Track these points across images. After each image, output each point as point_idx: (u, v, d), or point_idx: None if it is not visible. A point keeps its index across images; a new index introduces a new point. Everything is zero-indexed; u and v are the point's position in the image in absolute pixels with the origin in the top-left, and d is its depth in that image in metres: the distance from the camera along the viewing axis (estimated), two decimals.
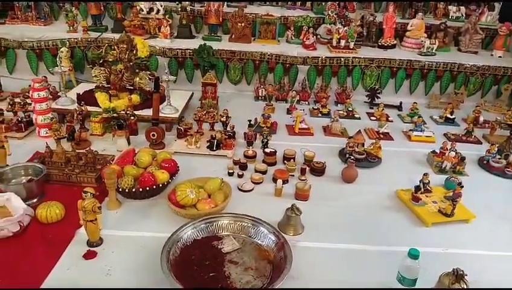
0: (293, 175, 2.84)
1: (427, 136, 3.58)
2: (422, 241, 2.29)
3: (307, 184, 2.59)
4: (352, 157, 2.92)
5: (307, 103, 4.27)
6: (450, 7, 5.07)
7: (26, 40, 4.27)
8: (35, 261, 1.97)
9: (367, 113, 4.14)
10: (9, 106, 3.29)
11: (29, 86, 3.70)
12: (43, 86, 3.06)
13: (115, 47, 3.43)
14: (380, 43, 4.72)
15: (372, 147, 3.21)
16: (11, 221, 2.08)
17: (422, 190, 2.65)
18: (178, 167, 2.68)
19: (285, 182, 2.71)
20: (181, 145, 3.16)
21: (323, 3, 5.03)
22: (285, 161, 2.95)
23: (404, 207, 2.62)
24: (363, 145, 3.23)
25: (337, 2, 4.81)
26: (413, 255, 1.81)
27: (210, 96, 3.89)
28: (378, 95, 4.29)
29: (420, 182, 2.68)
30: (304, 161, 3.01)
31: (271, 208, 2.47)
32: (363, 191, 2.76)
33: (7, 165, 2.68)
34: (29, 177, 2.49)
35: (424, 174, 2.70)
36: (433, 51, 4.58)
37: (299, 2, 5.13)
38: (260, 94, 4.34)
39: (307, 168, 2.87)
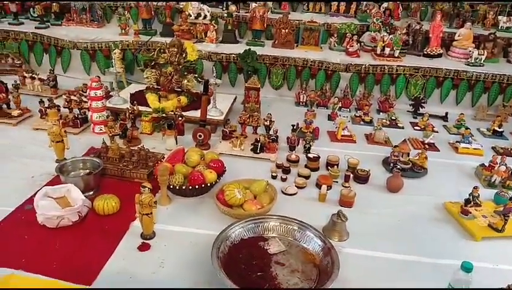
0: (337, 181, 2.85)
1: (475, 149, 3.48)
2: (471, 255, 2.21)
3: (351, 191, 2.60)
4: (398, 166, 2.89)
5: (348, 110, 4.26)
6: (499, 17, 4.91)
7: (80, 41, 4.52)
8: (93, 251, 2.08)
9: (410, 122, 4.08)
10: (66, 103, 3.50)
11: (84, 84, 3.94)
12: (100, 85, 3.22)
13: (166, 50, 3.56)
14: (425, 52, 4.63)
15: (417, 157, 3.17)
16: (71, 211, 2.22)
17: (472, 203, 2.58)
18: (225, 167, 2.75)
19: (328, 188, 2.72)
20: (226, 147, 3.24)
21: (367, 11, 5.02)
22: (329, 167, 2.97)
23: (452, 220, 2.57)
24: (408, 155, 3.19)
25: (382, 10, 4.77)
26: (467, 268, 1.77)
27: (253, 101, 3.93)
28: (422, 104, 4.21)
29: (470, 195, 2.62)
30: (347, 168, 3.01)
31: (315, 213, 2.50)
32: (408, 201, 2.73)
33: (65, 158, 2.86)
34: (87, 170, 2.63)
35: (474, 188, 2.64)
36: (482, 61, 4.45)
37: (343, 8, 5.13)
38: (301, 100, 4.37)
39: (351, 175, 2.86)
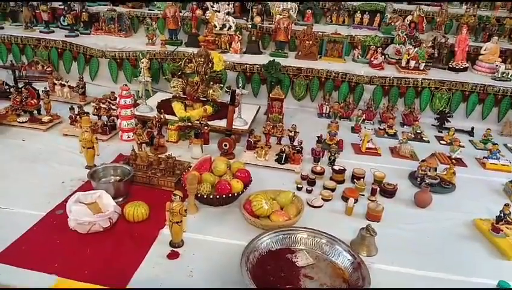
0: (363, 195, 2.83)
1: (503, 165, 3.41)
2: (503, 274, 2.18)
3: (379, 205, 2.57)
4: (426, 181, 2.84)
5: (371, 122, 4.23)
6: None
7: (109, 50, 4.63)
8: (124, 257, 2.11)
9: (436, 136, 4.03)
10: (95, 110, 3.58)
11: (111, 92, 4.02)
12: (129, 94, 3.29)
13: (193, 60, 3.62)
14: (450, 66, 4.59)
15: (445, 172, 3.12)
16: (103, 217, 2.25)
17: (503, 221, 2.53)
18: (251, 177, 2.76)
19: (355, 201, 2.69)
20: (250, 157, 3.25)
21: (391, 24, 5.01)
22: (355, 180, 2.94)
23: (482, 237, 2.52)
24: (435, 169, 3.14)
25: (407, 23, 4.75)
26: (504, 287, 1.73)
27: (277, 111, 3.97)
28: (448, 119, 4.16)
29: (501, 212, 2.56)
30: (373, 181, 2.98)
31: (342, 226, 2.48)
32: (437, 217, 2.68)
33: (94, 164, 2.92)
34: (118, 177, 2.68)
35: (505, 205, 2.58)
36: (509, 76, 4.38)
37: (366, 20, 5.13)
38: (324, 111, 4.37)
39: (378, 189, 2.83)
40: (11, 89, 3.85)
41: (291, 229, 2.29)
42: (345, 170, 3.02)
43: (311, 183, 2.93)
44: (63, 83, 4.13)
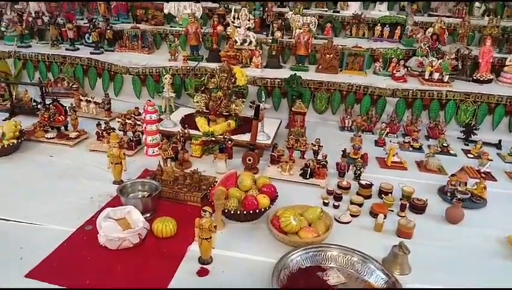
0: (392, 211, 2.77)
1: None
2: None
3: (411, 222, 2.51)
4: (458, 196, 2.77)
5: (395, 135, 4.18)
6: None
7: (133, 66, 4.73)
8: (154, 274, 2.11)
9: (463, 150, 3.94)
10: (121, 126, 3.63)
11: (135, 108, 4.09)
12: (155, 109, 3.33)
13: (216, 75, 3.66)
14: (475, 78, 4.51)
15: (475, 187, 3.04)
16: (133, 233, 2.26)
17: None
18: (277, 192, 2.74)
19: (384, 217, 2.64)
20: (274, 171, 3.24)
21: (413, 36, 4.97)
22: (383, 195, 2.89)
23: None
24: (465, 184, 3.06)
25: (429, 35, 4.71)
26: None
27: (299, 125, 3.95)
28: (474, 131, 4.07)
29: None
30: (401, 197, 2.92)
31: (371, 243, 2.42)
32: (470, 233, 2.60)
33: (121, 180, 2.95)
34: (146, 192, 2.70)
35: None
36: None
37: (387, 33, 5.11)
38: (346, 124, 4.34)
39: (407, 205, 2.77)
40: (39, 106, 3.95)
41: (321, 246, 2.25)
42: (372, 184, 2.97)
43: (338, 198, 2.89)
44: (89, 99, 4.22)
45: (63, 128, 3.72)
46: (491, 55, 4.50)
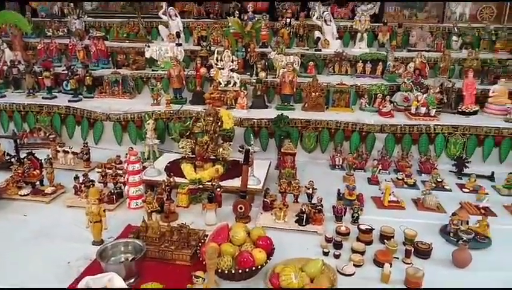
0: (397, 258, 2.59)
1: None
2: None
3: (419, 270, 2.33)
4: (463, 238, 2.62)
5: (387, 172, 4.08)
6: None
7: (113, 112, 4.56)
8: None
9: (457, 184, 3.85)
10: (101, 177, 3.41)
11: (117, 156, 3.89)
12: (138, 159, 3.14)
13: (202, 119, 3.53)
14: (460, 110, 4.52)
15: (478, 225, 2.91)
16: None
17: None
18: (273, 245, 2.54)
19: (390, 265, 2.45)
20: (268, 219, 3.05)
21: (395, 72, 5.01)
22: (385, 240, 2.71)
23: None
24: (467, 222, 2.94)
25: (411, 70, 4.75)
26: None
27: (289, 166, 3.82)
28: (466, 164, 4.01)
29: None
30: (404, 240, 2.76)
31: None
32: (480, 277, 2.45)
33: (102, 239, 2.70)
34: (129, 254, 2.45)
35: None
36: None
37: (369, 69, 5.14)
38: (337, 163, 4.22)
39: (412, 250, 2.60)
40: (13, 160, 3.70)
41: None
42: (372, 229, 2.81)
43: (338, 246, 2.71)
44: (66, 149, 3.99)
45: (38, 183, 3.46)
46: (475, 87, 4.54)
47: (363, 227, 2.82)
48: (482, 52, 5.31)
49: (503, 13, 5.88)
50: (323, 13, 5.55)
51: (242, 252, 2.39)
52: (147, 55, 5.21)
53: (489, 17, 5.88)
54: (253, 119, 4.43)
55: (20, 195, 3.30)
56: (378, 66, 5.16)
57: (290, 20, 5.76)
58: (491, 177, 3.97)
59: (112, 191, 3.23)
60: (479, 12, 5.92)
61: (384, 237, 2.77)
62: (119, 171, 3.44)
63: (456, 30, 5.52)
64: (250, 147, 3.38)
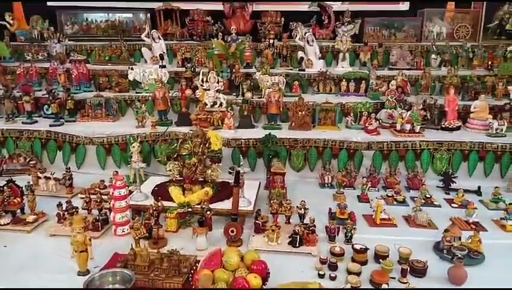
0: (394, 278, 2.55)
1: None
2: None
3: None
4: (458, 255, 2.61)
5: (376, 189, 4.08)
6: (510, 88, 4.98)
7: (96, 136, 4.44)
8: None
9: (445, 199, 3.88)
10: (85, 204, 3.28)
11: (101, 181, 3.78)
12: (124, 184, 3.04)
13: (189, 141, 3.47)
14: (443, 125, 4.60)
15: (470, 240, 2.91)
16: None
17: None
18: (269, 270, 2.46)
19: (387, 285, 2.41)
20: (260, 242, 2.98)
21: (379, 90, 5.09)
22: (381, 260, 2.67)
23: None
24: (459, 238, 2.94)
25: (395, 88, 4.83)
26: None
27: (279, 186, 3.78)
28: (453, 179, 4.05)
29: None
30: (398, 259, 2.73)
31: None
32: None
33: (87, 270, 2.57)
34: (117, 284, 2.33)
35: None
36: (503, 132, 4.40)
37: (352, 87, 5.22)
38: (326, 181, 4.21)
39: (408, 269, 2.57)
40: None
41: None
42: (367, 249, 2.77)
43: (333, 267, 2.66)
44: (47, 175, 3.85)
45: (19, 211, 3.31)
46: (456, 103, 4.65)
47: (357, 247, 2.78)
48: (461, 69, 5.47)
49: (477, 32, 6.12)
50: (305, 34, 5.64)
51: (236, 278, 2.31)
52: (131, 77, 5.14)
53: (465, 35, 6.10)
54: (240, 139, 4.40)
55: (0, 225, 3.13)
56: (362, 84, 5.24)
57: (273, 41, 5.84)
58: (477, 192, 4.02)
59: (97, 218, 3.10)
60: (455, 31, 6.13)
61: (379, 256, 2.73)
62: (104, 197, 3.32)
63: (434, 48, 5.68)
64: (240, 168, 3.32)
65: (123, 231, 3.06)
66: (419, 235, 3.16)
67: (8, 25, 6.14)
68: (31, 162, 4.22)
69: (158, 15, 6.22)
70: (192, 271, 2.47)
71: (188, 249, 2.87)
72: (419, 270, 2.59)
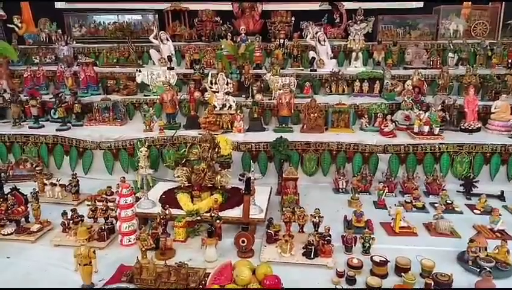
0: None
1: None
2: None
3: None
4: (485, 266, 2.42)
5: (393, 194, 3.90)
6: None
7: (104, 140, 4.34)
8: None
9: (467, 205, 3.69)
10: (91, 212, 3.17)
11: (108, 187, 3.67)
12: (131, 191, 2.92)
13: (198, 146, 3.34)
14: (463, 127, 4.40)
15: (497, 251, 2.72)
16: None
17: None
18: (283, 286, 2.31)
19: None
20: (273, 253, 2.83)
21: (394, 90, 4.90)
22: (402, 273, 2.50)
23: None
24: (485, 249, 2.75)
25: (411, 88, 4.64)
26: None
27: (291, 192, 3.63)
28: (474, 184, 3.85)
29: None
30: (420, 272, 2.55)
31: None
32: None
33: (92, 283, 2.45)
34: None
35: None
36: None
37: (366, 88, 5.04)
38: (340, 186, 4.04)
39: (432, 283, 2.39)
40: None
41: None
42: (387, 261, 2.59)
43: (351, 281, 2.50)
44: (54, 182, 3.75)
45: (23, 220, 3.21)
46: (476, 104, 4.45)
47: (377, 259, 2.61)
48: (479, 67, 5.25)
49: (496, 29, 5.88)
50: (316, 33, 5.48)
51: None
52: (138, 80, 5.05)
53: (483, 33, 5.87)
54: (250, 142, 4.25)
55: (3, 234, 3.03)
56: (376, 85, 5.05)
57: (284, 41, 5.69)
58: (501, 197, 3.82)
59: (103, 227, 2.98)
60: (472, 29, 5.90)
61: (400, 269, 2.55)
62: (110, 204, 3.21)
63: (451, 46, 5.47)
64: (251, 175, 3.18)
65: (129, 241, 2.93)
66: (442, 244, 2.98)
67: (16, 28, 6.09)
68: (37, 168, 4.13)
69: (166, 16, 6.13)
70: (201, 286, 2.33)
71: (197, 260, 2.74)
72: (444, 285, 2.41)
